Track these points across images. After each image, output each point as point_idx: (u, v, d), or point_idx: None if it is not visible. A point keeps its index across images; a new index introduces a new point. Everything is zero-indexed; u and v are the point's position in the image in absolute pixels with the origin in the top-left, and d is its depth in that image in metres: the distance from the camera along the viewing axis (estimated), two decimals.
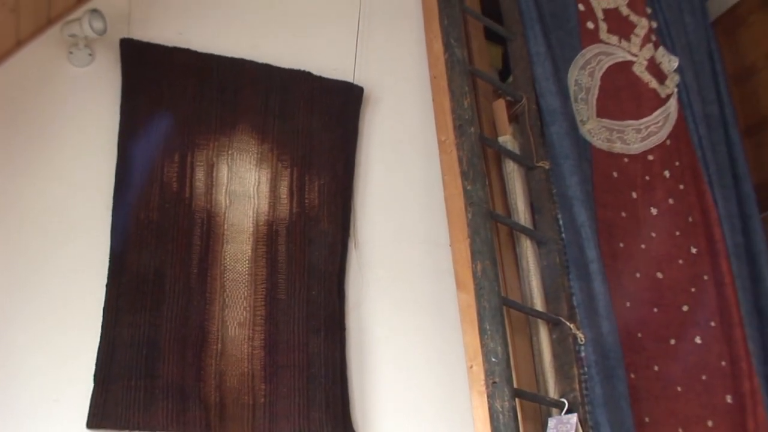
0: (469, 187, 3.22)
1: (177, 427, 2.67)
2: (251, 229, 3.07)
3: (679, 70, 4.17)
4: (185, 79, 3.14)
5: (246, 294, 2.99)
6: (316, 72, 3.39)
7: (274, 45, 3.38)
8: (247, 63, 3.27)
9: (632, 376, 3.37)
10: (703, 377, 3.58)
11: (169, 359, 2.75)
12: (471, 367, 3.13)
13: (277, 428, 2.81)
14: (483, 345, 2.99)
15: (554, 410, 3.12)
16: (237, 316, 2.94)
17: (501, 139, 3.56)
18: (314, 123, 3.32)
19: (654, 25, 4.24)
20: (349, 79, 3.47)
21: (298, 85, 3.33)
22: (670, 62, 4.18)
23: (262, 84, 3.27)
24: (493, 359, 2.93)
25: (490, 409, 2.89)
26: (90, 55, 3.03)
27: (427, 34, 3.73)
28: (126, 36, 3.10)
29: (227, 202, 3.08)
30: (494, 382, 2.90)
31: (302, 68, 3.37)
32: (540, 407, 3.17)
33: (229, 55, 3.26)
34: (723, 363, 3.63)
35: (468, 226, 3.17)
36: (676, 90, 4.13)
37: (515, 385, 2.97)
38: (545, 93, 3.68)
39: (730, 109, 4.29)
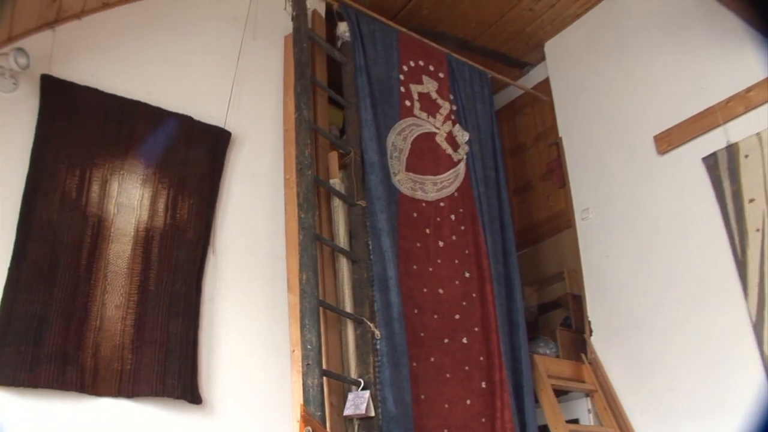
0: (302, 215, 3.36)
1: (57, 385, 2.78)
2: (132, 234, 3.19)
3: (469, 142, 4.42)
4: (92, 111, 3.26)
5: (123, 283, 3.09)
6: (195, 117, 3.55)
7: (165, 93, 3.50)
8: (143, 105, 3.42)
9: (414, 364, 3.57)
10: (466, 368, 3.79)
11: (55, 331, 2.84)
12: (293, 351, 3.31)
13: (138, 389, 2.95)
14: (302, 335, 3.10)
15: (353, 387, 3.30)
16: (114, 300, 3.05)
17: (332, 181, 3.77)
18: (190, 156, 3.47)
19: (454, 107, 4.50)
20: (221, 125, 3.63)
21: (180, 126, 3.48)
22: (463, 136, 4.43)
23: (153, 122, 3.40)
24: (309, 347, 3.07)
25: (303, 384, 3.01)
26: (14, 84, 3.11)
27: (285, 96, 3.88)
28: (46, 72, 3.19)
29: (115, 210, 3.18)
30: (308, 364, 3.03)
31: (185, 113, 3.53)
32: (343, 385, 3.34)
33: (129, 96, 3.38)
34: (481, 358, 3.87)
35: (299, 245, 3.31)
36: (465, 157, 4.37)
37: (324, 367, 3.15)
38: (368, 149, 3.89)
39: (503, 175, 4.61)
